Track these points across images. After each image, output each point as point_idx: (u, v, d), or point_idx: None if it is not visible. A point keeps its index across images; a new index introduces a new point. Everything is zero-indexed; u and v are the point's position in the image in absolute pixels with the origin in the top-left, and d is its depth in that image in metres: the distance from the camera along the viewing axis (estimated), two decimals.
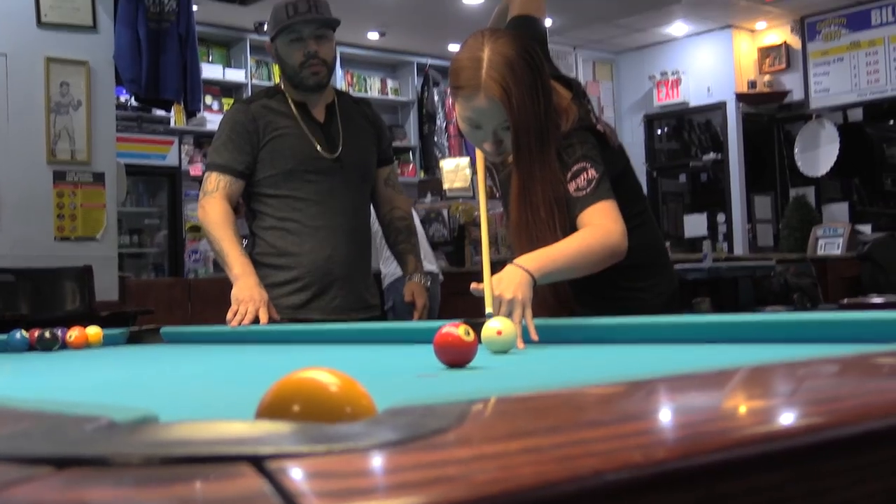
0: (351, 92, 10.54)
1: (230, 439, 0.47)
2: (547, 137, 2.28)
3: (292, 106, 3.16)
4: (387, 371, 1.55)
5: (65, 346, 2.70)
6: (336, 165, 3.13)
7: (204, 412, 1.03)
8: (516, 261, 2.11)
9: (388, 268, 6.32)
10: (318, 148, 3.12)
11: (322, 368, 0.59)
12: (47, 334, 2.67)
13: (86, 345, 2.74)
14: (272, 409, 0.57)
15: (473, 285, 2.08)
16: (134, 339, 2.94)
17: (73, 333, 2.74)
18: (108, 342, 2.85)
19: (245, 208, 3.28)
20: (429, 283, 3.47)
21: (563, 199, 2.29)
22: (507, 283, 2.03)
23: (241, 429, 0.49)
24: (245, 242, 3.12)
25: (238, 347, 2.52)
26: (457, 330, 1.33)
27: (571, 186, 2.29)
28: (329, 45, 3.15)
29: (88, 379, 1.77)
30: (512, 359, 1.60)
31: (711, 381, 0.79)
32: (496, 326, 1.64)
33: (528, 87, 2.22)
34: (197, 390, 1.40)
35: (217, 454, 0.44)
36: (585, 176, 2.30)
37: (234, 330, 2.79)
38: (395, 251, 3.40)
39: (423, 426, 0.51)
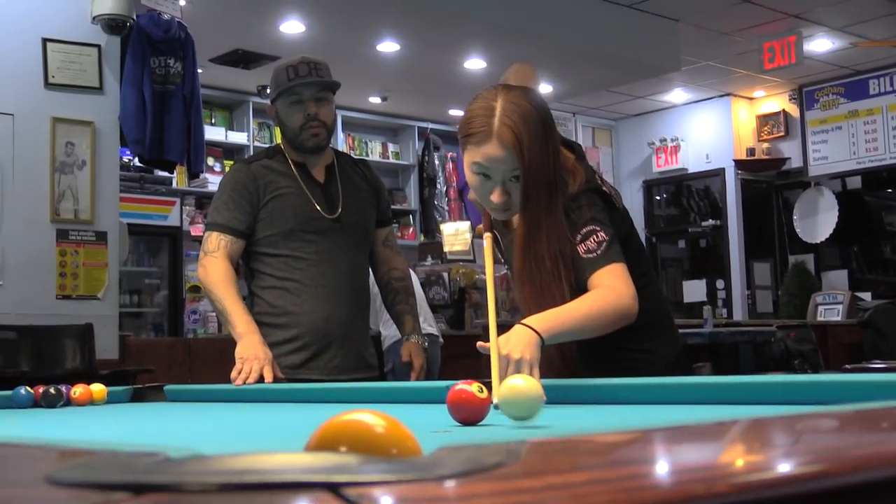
0: (352, 154, 10.62)
1: (302, 468, 0.47)
2: (555, 190, 2.28)
3: (292, 166, 3.18)
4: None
5: (69, 402, 2.70)
6: (336, 226, 3.15)
7: None
8: (525, 320, 2.10)
9: (388, 330, 6.33)
10: (318, 208, 3.14)
11: (366, 411, 0.61)
12: (52, 390, 2.67)
13: (90, 402, 2.74)
14: (320, 447, 0.58)
15: (480, 344, 2.06)
16: (138, 397, 2.94)
17: (78, 390, 2.73)
18: (111, 399, 2.85)
19: (244, 268, 3.28)
20: (426, 343, 3.45)
21: (569, 255, 2.29)
22: (514, 342, 2.02)
23: (308, 459, 0.49)
24: (244, 302, 3.13)
25: (242, 406, 2.52)
26: (470, 387, 1.34)
27: (581, 248, 2.29)
28: (329, 107, 3.17)
29: (103, 432, 1.78)
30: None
31: (727, 429, 0.81)
32: (520, 384, 1.43)
33: (539, 138, 2.24)
34: (215, 445, 1.41)
35: (293, 481, 0.44)
36: (595, 238, 2.30)
37: (237, 389, 2.79)
38: (393, 312, 3.40)
39: (483, 461, 0.51)
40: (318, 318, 3.10)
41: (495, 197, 2.31)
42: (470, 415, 1.35)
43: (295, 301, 3.11)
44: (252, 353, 2.90)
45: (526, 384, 1.40)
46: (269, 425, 1.86)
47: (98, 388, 2.76)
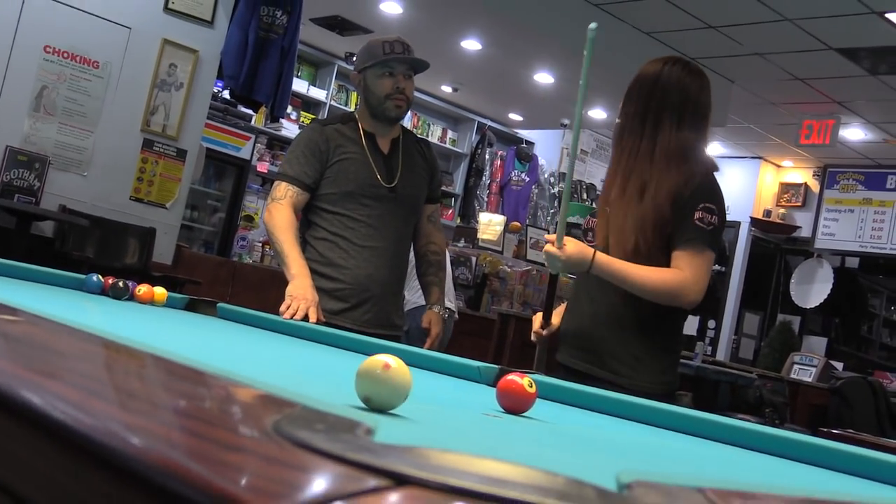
0: (415, 133, 10.58)
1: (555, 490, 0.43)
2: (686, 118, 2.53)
3: (362, 134, 3.19)
4: (450, 402, 1.54)
5: (132, 297, 2.69)
6: (391, 195, 3.15)
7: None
8: (597, 251, 2.42)
9: (412, 295, 6.30)
10: (378, 176, 3.14)
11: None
12: (120, 284, 2.65)
13: (151, 301, 2.72)
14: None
15: (547, 236, 2.47)
16: (192, 307, 2.92)
17: (143, 288, 2.72)
18: (168, 304, 2.84)
19: (302, 217, 3.26)
20: (446, 315, 3.42)
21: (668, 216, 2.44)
22: (570, 253, 2.40)
23: (557, 483, 0.45)
24: None
25: (285, 339, 2.51)
26: (522, 380, 1.32)
27: (697, 214, 2.41)
28: (412, 85, 3.20)
29: (178, 341, 1.74)
30: (560, 413, 1.58)
31: None
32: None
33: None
34: (277, 377, 1.39)
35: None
36: (711, 217, 2.43)
37: (281, 321, 2.76)
38: (423, 281, 3.39)
39: None
40: (360, 274, 3.11)
41: None
42: (516, 405, 1.34)
43: (342, 255, 3.12)
44: (301, 294, 2.90)
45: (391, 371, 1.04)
46: (314, 364, 1.84)
47: (160, 291, 2.75)
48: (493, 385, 1.96)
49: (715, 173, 2.59)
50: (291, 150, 3.20)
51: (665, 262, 2.47)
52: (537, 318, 2.68)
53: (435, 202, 3.40)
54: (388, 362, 1.03)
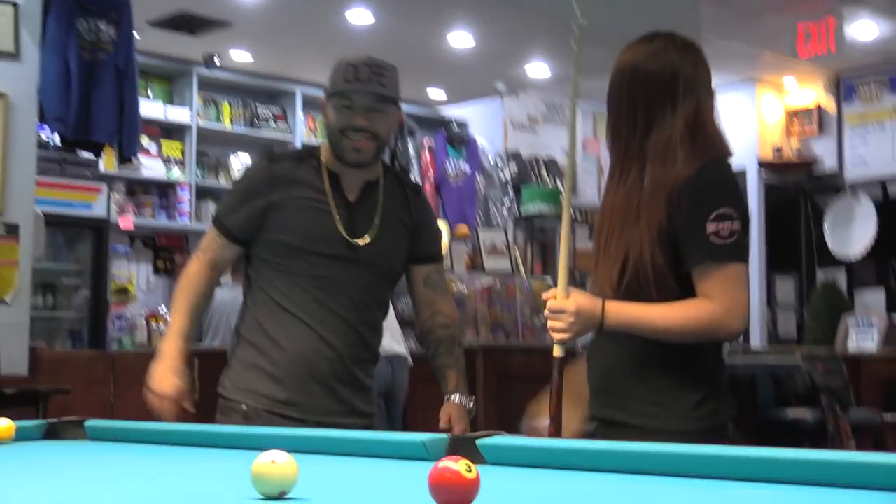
0: (312, 139, 10.58)
1: None
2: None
3: (324, 175, 3.19)
4: None
5: None
6: (350, 254, 3.15)
7: None
8: (607, 300, 2.55)
9: (388, 342, 6.27)
10: (334, 230, 3.14)
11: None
12: None
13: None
14: None
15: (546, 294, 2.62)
16: (52, 434, 2.89)
17: None
18: (21, 436, 2.80)
19: (244, 273, 3.32)
20: (472, 406, 3.35)
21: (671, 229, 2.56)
22: (581, 304, 2.55)
23: None
24: (210, 314, 3.19)
25: (175, 451, 2.50)
26: (456, 465, 1.32)
27: (710, 227, 2.51)
28: (385, 119, 3.17)
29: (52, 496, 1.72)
30: (514, 499, 1.59)
31: None
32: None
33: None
34: None
35: None
36: (730, 226, 2.52)
37: (171, 429, 2.76)
38: (435, 363, 3.37)
39: None
40: (304, 349, 3.12)
41: None
42: (456, 498, 1.33)
43: (282, 327, 3.14)
44: (157, 387, 3.03)
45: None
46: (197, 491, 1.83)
47: (4, 427, 2.71)
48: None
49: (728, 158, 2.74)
50: (231, 189, 3.32)
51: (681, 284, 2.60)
52: (539, 411, 2.86)
53: (430, 261, 3.37)
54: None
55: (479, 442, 1.96)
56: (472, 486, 1.34)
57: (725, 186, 2.62)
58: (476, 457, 1.96)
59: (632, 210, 2.62)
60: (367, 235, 3.16)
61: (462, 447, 1.98)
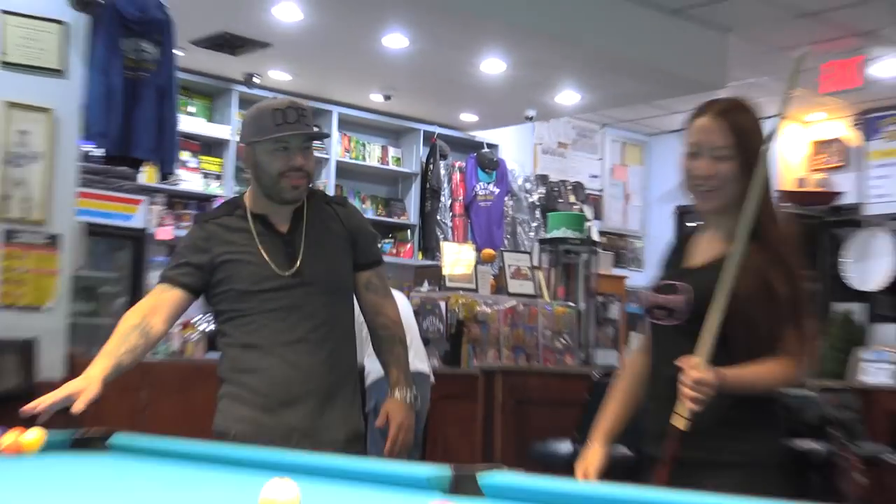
0: (347, 158, 10.65)
1: None
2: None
3: (250, 221, 3.35)
4: None
5: None
6: (295, 280, 3.29)
7: None
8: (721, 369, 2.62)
9: (373, 365, 6.33)
10: (272, 266, 3.29)
11: None
12: None
13: (20, 453, 2.74)
14: None
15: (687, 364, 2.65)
16: (79, 446, 2.95)
17: (7, 439, 2.74)
18: (48, 446, 2.86)
19: (215, 328, 3.47)
20: (416, 400, 3.50)
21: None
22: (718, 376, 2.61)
23: None
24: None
25: (193, 469, 2.55)
26: None
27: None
28: (312, 157, 3.35)
29: None
30: None
31: None
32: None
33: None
34: None
35: None
36: (808, 283, 2.79)
37: (192, 448, 2.81)
38: (381, 360, 3.54)
39: None
40: (277, 374, 3.25)
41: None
42: None
43: (254, 358, 3.28)
44: (68, 385, 3.06)
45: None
46: None
47: (32, 438, 2.76)
48: (450, 492, 2.02)
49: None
50: (172, 254, 3.46)
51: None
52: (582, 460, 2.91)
53: (370, 267, 3.52)
54: None
55: (479, 479, 2.00)
56: None
57: (798, 255, 2.83)
58: (476, 492, 2.00)
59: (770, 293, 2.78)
60: (300, 260, 3.29)
61: (463, 482, 2.01)
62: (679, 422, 2.65)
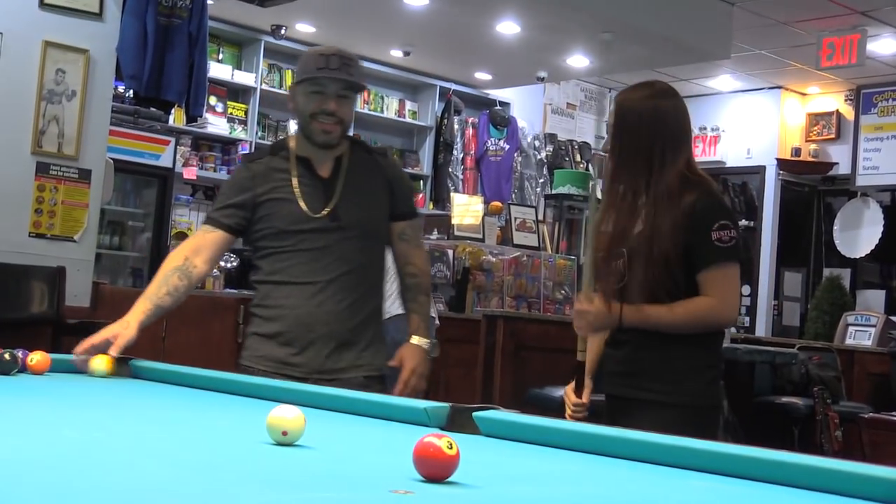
0: (366, 110, 10.62)
1: None
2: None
3: (294, 163, 3.30)
4: (368, 470, 1.58)
5: (24, 369, 2.71)
6: (331, 224, 3.24)
7: None
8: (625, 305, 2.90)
9: (391, 307, 6.32)
10: (312, 207, 3.24)
11: None
12: (6, 356, 2.67)
13: (48, 370, 2.75)
14: None
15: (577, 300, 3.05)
16: None
17: (35, 357, 2.75)
18: (70, 369, 2.87)
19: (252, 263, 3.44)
20: (432, 349, 3.46)
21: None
22: (599, 307, 2.93)
23: None
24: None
25: (209, 397, 2.56)
26: (439, 441, 1.36)
27: (715, 235, 2.85)
28: (349, 105, 3.28)
29: (92, 426, 1.75)
30: (494, 473, 1.62)
31: None
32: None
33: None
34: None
35: None
36: (731, 233, 2.88)
37: (206, 375, 2.81)
38: (405, 308, 3.48)
39: None
40: (301, 314, 3.21)
41: None
42: (435, 472, 1.37)
43: (283, 295, 3.23)
44: (108, 326, 3.04)
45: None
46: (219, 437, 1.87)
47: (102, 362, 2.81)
48: (446, 428, 2.03)
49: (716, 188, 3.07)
50: (219, 193, 3.43)
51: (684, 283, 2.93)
52: (570, 393, 3.11)
53: (407, 218, 3.45)
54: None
55: (475, 414, 2.00)
56: (452, 462, 1.38)
57: (722, 207, 2.98)
58: (471, 427, 2.00)
59: (651, 237, 2.90)
60: (336, 205, 3.24)
61: (460, 417, 2.02)
62: (578, 354, 3.05)
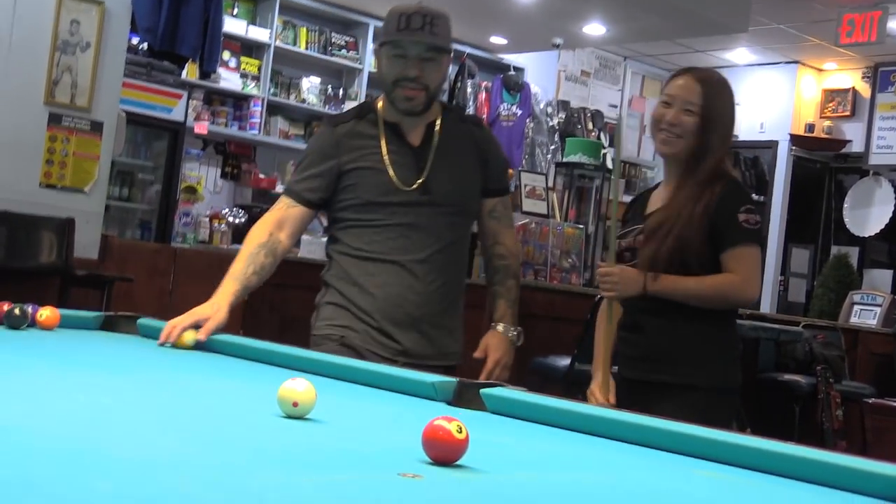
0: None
1: None
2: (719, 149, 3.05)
3: (382, 128, 3.07)
4: (378, 449, 1.58)
5: (33, 324, 2.72)
6: (422, 196, 3.02)
7: None
8: (650, 274, 2.96)
9: None
10: (403, 178, 3.02)
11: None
12: (16, 311, 2.68)
13: (57, 326, 2.76)
14: None
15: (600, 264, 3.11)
16: (108, 326, 2.96)
17: (45, 313, 2.75)
18: (80, 325, 2.88)
19: (328, 233, 3.24)
20: (519, 338, 3.17)
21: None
22: (625, 271, 2.99)
23: None
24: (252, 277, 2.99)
25: (220, 361, 2.56)
26: (449, 425, 1.36)
27: (741, 217, 2.96)
28: (437, 68, 3.02)
29: (101, 391, 1.76)
30: (501, 456, 1.63)
31: None
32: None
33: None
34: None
35: None
36: (756, 216, 3.01)
37: (218, 339, 2.78)
38: (489, 291, 3.24)
39: None
40: (391, 295, 3.01)
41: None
42: (444, 456, 1.38)
43: (366, 272, 3.03)
44: (195, 308, 2.83)
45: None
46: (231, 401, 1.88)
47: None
48: (453, 403, 2.03)
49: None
50: (302, 156, 3.18)
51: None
52: (596, 393, 3.06)
53: (496, 195, 3.22)
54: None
55: (482, 391, 2.00)
56: (461, 447, 1.38)
57: (747, 194, 3.21)
58: (478, 403, 2.00)
59: (680, 217, 3.00)
60: (428, 176, 3.02)
61: (466, 393, 2.02)
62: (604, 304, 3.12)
